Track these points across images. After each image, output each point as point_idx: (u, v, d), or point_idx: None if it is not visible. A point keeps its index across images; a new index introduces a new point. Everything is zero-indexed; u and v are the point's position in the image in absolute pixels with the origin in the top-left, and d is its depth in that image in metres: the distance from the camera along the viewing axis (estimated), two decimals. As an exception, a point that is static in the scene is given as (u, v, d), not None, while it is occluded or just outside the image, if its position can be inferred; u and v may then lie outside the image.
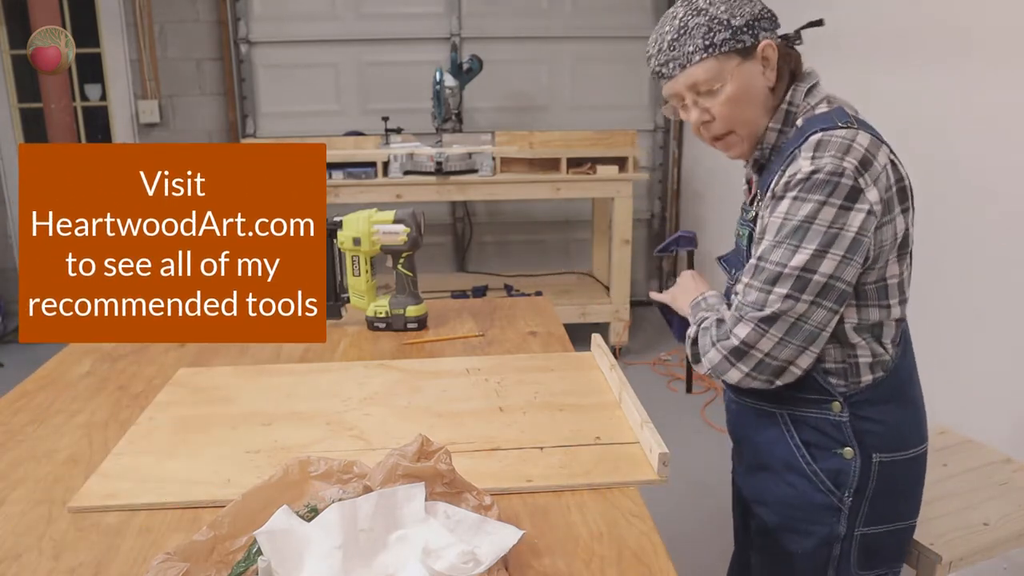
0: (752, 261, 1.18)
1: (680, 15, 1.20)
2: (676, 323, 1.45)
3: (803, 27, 1.25)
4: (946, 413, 2.14)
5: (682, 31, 1.19)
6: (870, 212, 1.12)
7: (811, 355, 1.17)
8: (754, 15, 1.19)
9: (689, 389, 1.61)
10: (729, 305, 1.23)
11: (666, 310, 1.47)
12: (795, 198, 1.13)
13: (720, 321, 1.21)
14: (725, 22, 1.18)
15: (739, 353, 1.17)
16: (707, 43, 1.18)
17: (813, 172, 1.12)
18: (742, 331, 1.16)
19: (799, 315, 1.13)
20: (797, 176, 1.13)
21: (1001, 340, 2.07)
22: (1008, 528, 1.49)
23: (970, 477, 1.66)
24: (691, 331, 1.29)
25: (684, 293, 1.40)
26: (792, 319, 1.14)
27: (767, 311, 1.14)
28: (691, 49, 1.19)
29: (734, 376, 1.19)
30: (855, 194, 1.11)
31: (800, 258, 1.12)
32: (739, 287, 1.19)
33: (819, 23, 1.24)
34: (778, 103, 1.23)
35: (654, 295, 1.48)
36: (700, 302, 1.32)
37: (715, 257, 1.42)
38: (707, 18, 1.18)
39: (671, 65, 1.21)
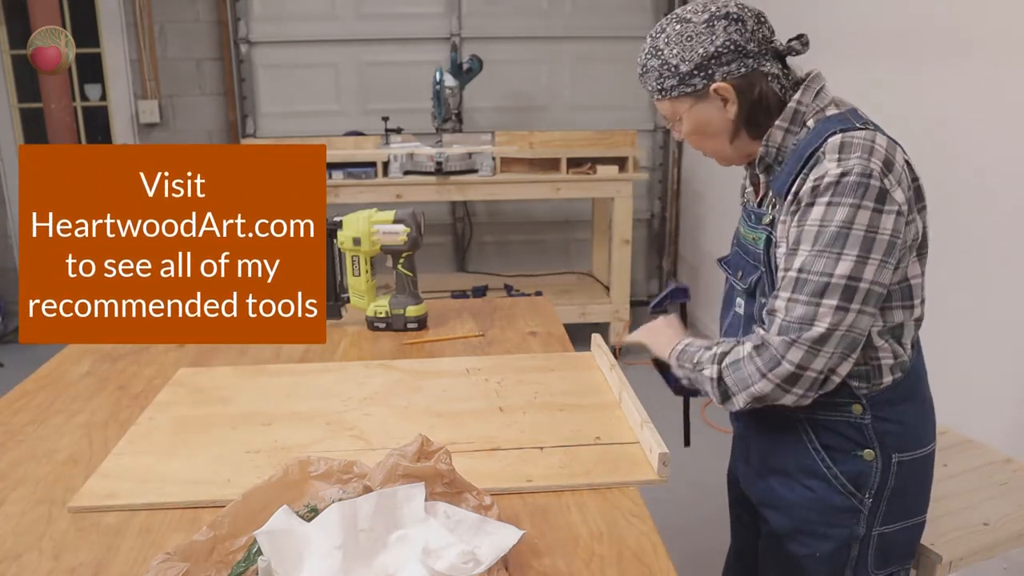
0: (791, 274, 1.14)
1: (646, 50, 1.23)
2: (674, 378, 1.39)
3: (788, 47, 1.23)
4: (946, 413, 2.13)
5: (643, 70, 1.24)
6: (899, 213, 1.11)
7: (851, 361, 1.15)
8: (707, 55, 1.16)
9: (688, 443, 1.58)
10: (768, 324, 1.18)
11: (663, 367, 1.40)
12: (828, 203, 1.11)
13: (759, 347, 1.15)
14: (674, 68, 1.19)
15: (794, 379, 1.13)
16: (659, 87, 1.22)
17: (842, 175, 1.10)
18: (796, 356, 1.12)
19: (848, 326, 1.11)
20: (826, 180, 1.11)
21: (1001, 340, 2.07)
22: (1008, 528, 1.49)
23: (970, 477, 1.66)
24: (712, 372, 1.21)
25: (661, 336, 1.36)
26: (842, 332, 1.11)
27: (820, 328, 1.11)
28: (649, 89, 1.25)
29: (788, 400, 1.16)
30: (883, 195, 1.10)
31: (845, 266, 1.10)
32: (778, 304, 1.14)
33: (801, 43, 1.23)
34: (736, 131, 1.22)
35: (628, 338, 1.43)
36: (684, 349, 1.27)
37: (716, 259, 1.41)
38: (659, 62, 1.20)
39: (648, 92, 1.28)
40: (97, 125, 4.67)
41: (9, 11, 4.45)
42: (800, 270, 1.12)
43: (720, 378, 1.20)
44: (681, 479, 1.86)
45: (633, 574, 0.94)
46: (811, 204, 1.12)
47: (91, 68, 4.55)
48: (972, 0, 2.15)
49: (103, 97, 4.61)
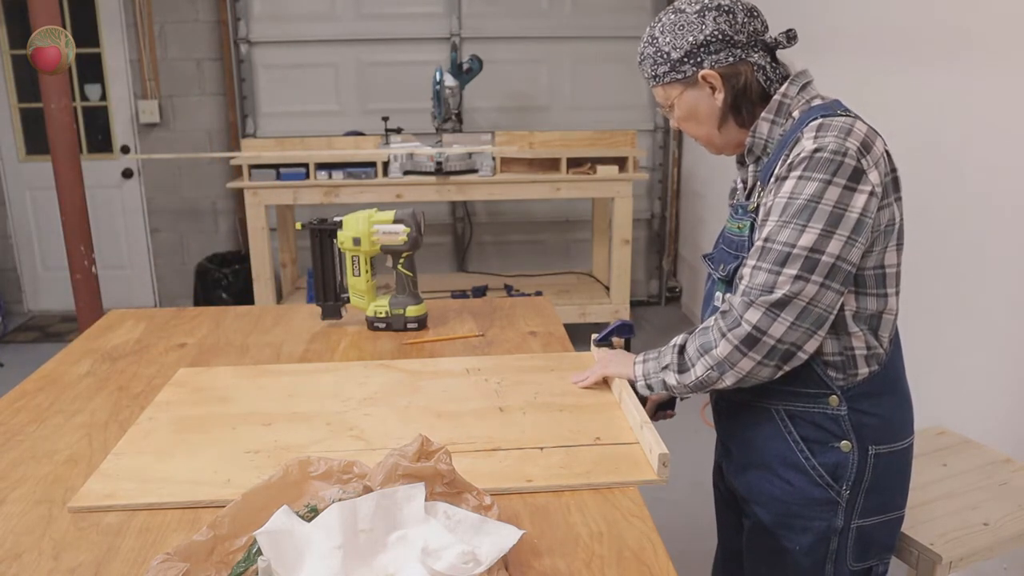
0: (758, 243, 1.18)
1: (644, 39, 1.30)
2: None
3: (775, 40, 1.26)
4: (946, 413, 2.14)
5: (641, 58, 1.30)
6: (872, 193, 1.14)
7: (818, 339, 1.17)
8: (696, 44, 1.22)
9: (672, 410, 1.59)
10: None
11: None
12: (800, 177, 1.14)
13: (724, 313, 1.20)
14: (665, 55, 1.25)
15: (752, 341, 1.16)
16: (653, 73, 1.29)
17: (816, 151, 1.14)
18: (753, 316, 1.15)
19: (810, 298, 1.13)
20: (800, 155, 1.15)
21: (1001, 340, 2.07)
22: (1008, 528, 1.49)
23: (970, 477, 1.66)
24: (677, 340, 1.29)
25: (616, 359, 1.43)
26: (803, 303, 1.13)
27: (777, 294, 1.13)
28: (645, 76, 1.32)
29: (747, 366, 1.18)
30: (858, 175, 1.13)
31: (808, 238, 1.12)
32: (745, 271, 1.19)
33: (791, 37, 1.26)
34: (724, 118, 1.27)
35: (581, 383, 1.46)
36: (647, 352, 1.36)
37: (702, 255, 1.42)
38: (654, 50, 1.27)
39: (645, 79, 1.33)
40: (97, 125, 4.68)
41: (9, 11, 4.45)
42: (766, 240, 1.16)
43: (683, 345, 1.27)
44: (681, 479, 1.86)
45: (633, 574, 0.94)
46: (784, 178, 1.17)
47: (91, 68, 4.55)
48: (969, 0, 2.15)
49: (103, 97, 4.61)
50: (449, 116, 3.93)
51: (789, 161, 1.17)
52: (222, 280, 4.49)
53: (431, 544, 0.90)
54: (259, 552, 0.89)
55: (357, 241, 1.75)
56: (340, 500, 0.96)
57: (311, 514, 0.96)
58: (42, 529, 1.05)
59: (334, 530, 0.90)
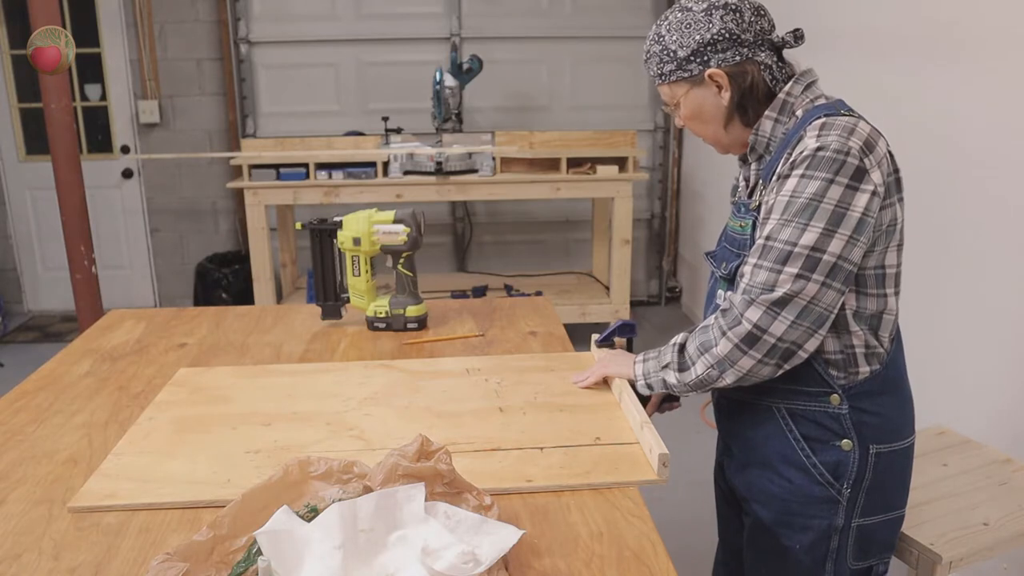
0: (760, 241, 1.18)
1: (650, 37, 1.29)
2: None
3: (783, 39, 1.26)
4: (946, 413, 2.14)
5: (647, 56, 1.30)
6: (874, 193, 1.14)
7: (818, 338, 1.17)
8: (703, 42, 1.22)
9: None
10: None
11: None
12: (802, 176, 1.15)
13: (725, 311, 1.20)
14: (672, 53, 1.25)
15: (752, 339, 1.16)
16: (659, 72, 1.28)
17: (818, 149, 1.14)
18: (754, 315, 1.15)
19: (811, 297, 1.13)
20: (803, 153, 1.15)
21: (1002, 340, 2.07)
22: (1008, 528, 1.49)
23: (970, 477, 1.66)
24: (678, 338, 1.29)
25: (616, 359, 1.44)
26: (804, 302, 1.13)
27: (778, 292, 1.14)
28: (651, 74, 1.31)
29: (747, 365, 1.18)
30: (860, 174, 1.13)
31: (809, 237, 1.13)
32: (746, 269, 1.19)
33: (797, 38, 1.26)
34: (730, 117, 1.26)
35: (582, 383, 1.46)
36: (647, 352, 1.36)
37: (704, 253, 1.43)
38: (660, 48, 1.26)
39: (650, 78, 1.33)
40: (97, 125, 4.68)
41: (9, 11, 4.45)
42: (768, 238, 1.17)
43: (684, 344, 1.27)
44: (681, 479, 1.86)
45: (633, 574, 0.94)
46: (787, 176, 1.17)
47: (91, 68, 4.55)
48: (972, 0, 2.15)
49: (103, 97, 4.61)
50: (449, 116, 3.93)
51: (791, 159, 1.17)
52: (222, 280, 4.49)
53: (431, 544, 0.90)
54: (259, 552, 0.89)
55: (357, 241, 1.75)
56: (340, 500, 0.96)
57: (311, 514, 0.96)
58: (42, 529, 1.05)
59: (334, 530, 0.90)
